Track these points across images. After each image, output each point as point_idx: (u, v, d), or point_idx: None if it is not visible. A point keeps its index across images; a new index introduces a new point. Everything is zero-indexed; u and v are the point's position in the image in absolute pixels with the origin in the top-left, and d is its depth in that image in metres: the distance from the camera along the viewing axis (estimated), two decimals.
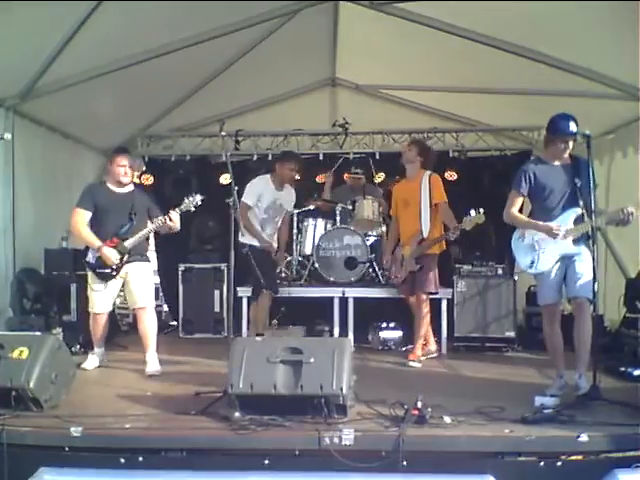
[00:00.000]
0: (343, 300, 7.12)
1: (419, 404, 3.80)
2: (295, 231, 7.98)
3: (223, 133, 5.10)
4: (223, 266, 7.84)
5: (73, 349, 6.01)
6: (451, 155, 8.68)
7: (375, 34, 7.39)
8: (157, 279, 8.53)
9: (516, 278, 6.98)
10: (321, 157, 8.85)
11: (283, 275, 7.83)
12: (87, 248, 5.67)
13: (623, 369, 5.27)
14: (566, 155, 4.75)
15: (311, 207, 8.02)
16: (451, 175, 8.31)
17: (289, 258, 7.95)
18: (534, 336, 6.99)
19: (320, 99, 9.24)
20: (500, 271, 7.09)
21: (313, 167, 8.82)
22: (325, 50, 8.30)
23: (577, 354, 4.56)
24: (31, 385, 3.98)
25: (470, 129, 8.90)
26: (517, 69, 6.76)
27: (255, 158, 8.92)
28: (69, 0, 5.21)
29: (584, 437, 3.47)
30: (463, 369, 6.01)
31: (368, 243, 7.47)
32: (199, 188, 8.75)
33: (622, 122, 7.07)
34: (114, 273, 5.58)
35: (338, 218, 7.71)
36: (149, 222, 5.70)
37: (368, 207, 7.55)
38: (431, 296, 6.40)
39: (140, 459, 3.63)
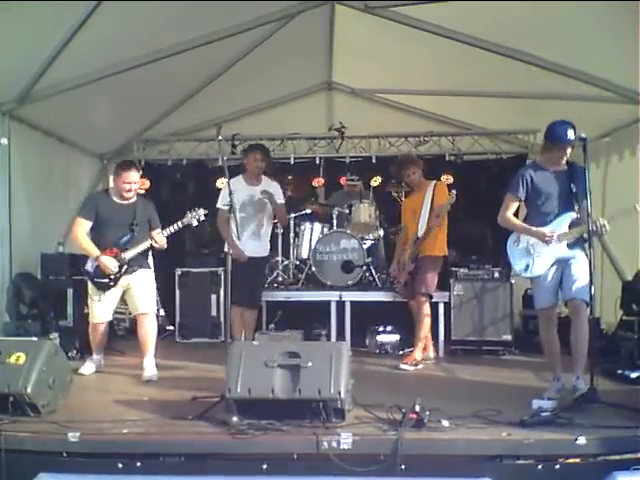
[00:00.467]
0: (340, 304, 7.12)
1: (417, 408, 3.79)
2: (292, 235, 8.00)
3: (220, 137, 5.07)
4: (220, 270, 7.81)
5: (70, 354, 5.99)
6: (447, 159, 8.69)
7: (371, 38, 7.40)
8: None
9: (513, 281, 6.99)
10: (318, 161, 8.83)
11: (280, 279, 7.84)
12: (86, 257, 5.65)
13: (620, 372, 5.28)
14: (563, 162, 4.76)
15: (308, 211, 8.03)
16: (447, 179, 8.32)
17: (286, 262, 7.97)
18: (531, 339, 6.99)
19: (316, 103, 9.27)
20: (497, 274, 7.08)
21: (310, 171, 8.83)
22: (321, 54, 8.33)
23: (574, 357, 4.56)
24: (28, 390, 3.97)
25: (466, 133, 8.93)
26: (513, 72, 6.78)
27: None
28: (65, 0, 5.22)
29: (582, 440, 3.47)
30: (460, 372, 6.01)
31: (365, 247, 7.48)
32: (196, 192, 8.82)
33: (618, 125, 7.10)
34: (112, 283, 5.57)
35: (335, 222, 7.72)
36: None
37: (365, 211, 7.57)
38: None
39: (138, 464, 3.62)
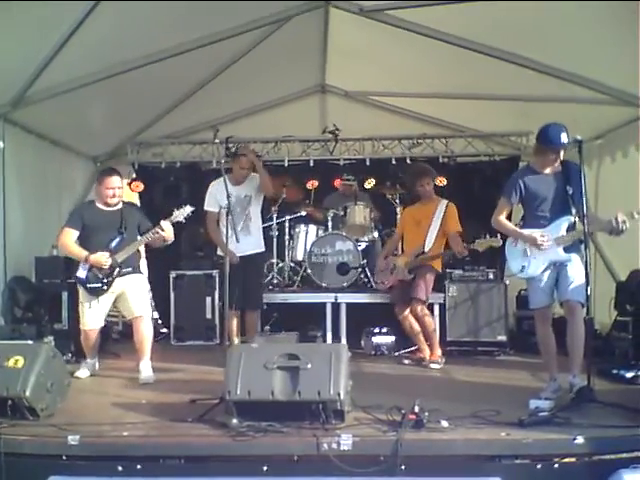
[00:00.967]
0: (335, 305, 7.15)
1: (416, 408, 3.81)
2: (287, 237, 8.01)
3: (217, 140, 5.07)
4: (215, 273, 7.82)
5: (65, 357, 5.92)
6: (441, 161, 8.69)
7: (365, 41, 7.42)
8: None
9: (507, 282, 7.02)
10: (311, 163, 8.85)
11: (275, 281, 7.85)
12: (78, 264, 5.61)
13: (615, 371, 5.32)
14: (557, 164, 4.79)
15: (302, 213, 8.05)
16: (441, 181, 8.32)
17: (281, 264, 7.97)
18: (525, 340, 7.06)
19: (310, 106, 9.27)
20: (491, 275, 7.13)
21: (304, 173, 8.85)
22: (315, 57, 8.33)
23: (570, 357, 4.60)
24: (27, 394, 3.96)
25: (459, 135, 8.95)
26: (506, 75, 6.81)
27: None
28: (60, 0, 5.21)
29: (580, 439, 3.49)
30: (456, 373, 6.04)
31: (360, 249, 7.50)
32: (190, 195, 8.77)
33: (610, 127, 7.16)
34: (105, 287, 5.55)
35: (330, 224, 7.74)
36: (139, 236, 5.69)
37: (359, 213, 7.60)
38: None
39: (138, 467, 3.61)
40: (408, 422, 3.74)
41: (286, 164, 8.79)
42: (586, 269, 4.39)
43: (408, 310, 6.47)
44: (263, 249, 6.81)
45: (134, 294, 5.66)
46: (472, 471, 3.52)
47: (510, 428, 3.76)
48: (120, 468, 3.61)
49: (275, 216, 8.02)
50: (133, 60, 6.43)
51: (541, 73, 6.44)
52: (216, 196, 6.38)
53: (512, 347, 7.04)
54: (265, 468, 3.58)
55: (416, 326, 6.47)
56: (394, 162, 8.66)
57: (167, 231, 5.56)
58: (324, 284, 7.38)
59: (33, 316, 6.62)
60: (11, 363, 4.09)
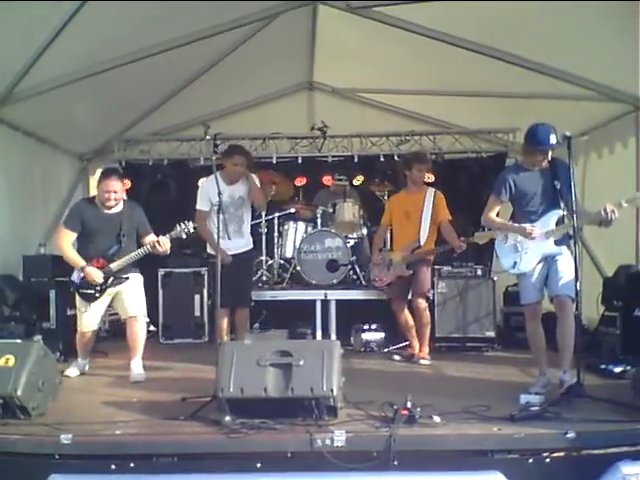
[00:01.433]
0: (325, 302, 7.16)
1: (408, 404, 3.82)
2: (276, 234, 8.01)
3: (208, 137, 5.04)
4: (203, 270, 7.81)
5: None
6: (428, 157, 8.72)
7: (353, 38, 7.44)
8: None
9: (495, 278, 7.07)
10: (300, 160, 8.84)
11: (264, 278, 7.84)
12: (72, 267, 5.60)
13: (604, 366, 5.37)
14: (545, 163, 4.82)
15: (291, 210, 8.05)
16: (428, 177, 8.36)
17: (270, 261, 7.97)
18: (513, 336, 7.13)
19: (298, 102, 9.31)
20: (479, 272, 7.18)
21: (292, 170, 8.84)
22: (303, 54, 8.36)
23: (560, 352, 4.64)
24: (18, 393, 3.93)
25: (447, 132, 9.00)
26: (493, 72, 6.87)
27: None
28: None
29: (572, 434, 3.52)
30: (446, 369, 6.07)
31: (349, 245, 7.52)
32: (177, 192, 8.77)
33: (596, 124, 7.22)
34: (97, 295, 5.54)
35: (319, 221, 7.75)
36: (140, 246, 5.64)
37: (348, 210, 7.62)
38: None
39: (131, 465, 3.59)
40: (401, 418, 3.75)
41: (274, 161, 8.78)
42: (575, 264, 4.42)
43: (406, 305, 6.48)
44: (252, 246, 6.70)
45: (130, 294, 5.64)
46: (465, 466, 3.53)
47: (501, 423, 3.78)
48: (113, 466, 3.59)
49: (264, 213, 7.97)
50: (120, 57, 6.42)
51: (528, 70, 6.49)
52: (208, 194, 6.20)
53: (500, 343, 7.09)
54: (259, 465, 3.57)
55: (411, 321, 6.48)
56: (382, 159, 8.69)
57: (164, 246, 5.54)
58: (313, 281, 7.39)
59: (21, 315, 6.56)
60: (2, 362, 4.05)
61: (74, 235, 5.58)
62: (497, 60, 6.49)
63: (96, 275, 5.46)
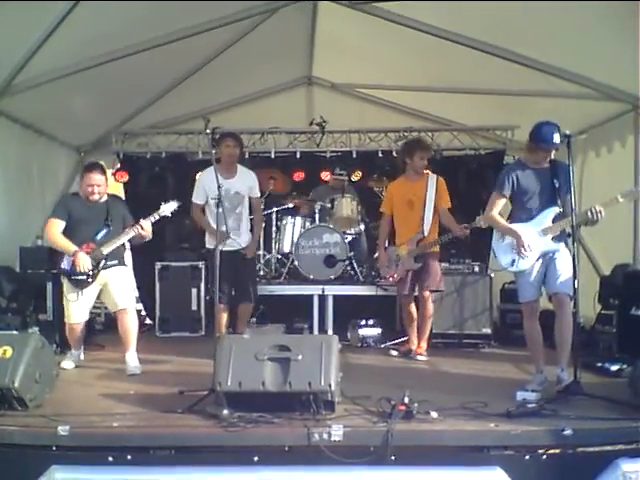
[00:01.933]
0: (322, 298, 7.16)
1: (406, 399, 3.84)
2: (274, 229, 8.01)
3: (208, 131, 5.02)
4: (200, 264, 7.80)
5: None
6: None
7: (352, 33, 7.43)
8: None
9: (492, 275, 7.07)
10: (298, 155, 8.83)
11: (262, 273, 7.84)
12: (61, 255, 5.56)
13: (600, 365, 5.39)
14: (547, 162, 4.84)
15: (290, 205, 8.05)
16: (427, 173, 8.37)
17: (268, 256, 7.97)
18: (509, 332, 7.13)
19: (296, 97, 9.28)
20: (476, 268, 7.18)
21: (290, 165, 8.84)
22: (302, 48, 8.33)
23: (558, 350, 4.65)
24: (16, 384, 3.93)
25: (445, 129, 8.98)
26: (492, 69, 6.86)
27: None
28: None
29: (569, 431, 3.54)
30: (443, 365, 6.08)
31: (347, 241, 7.52)
32: (174, 185, 8.74)
33: (595, 122, 7.22)
34: (90, 280, 5.50)
35: (317, 216, 7.75)
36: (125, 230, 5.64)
37: (347, 205, 7.62)
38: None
39: (129, 457, 3.60)
40: (398, 413, 3.76)
41: (273, 156, 8.76)
42: (574, 262, 4.44)
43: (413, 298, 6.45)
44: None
45: (117, 287, 5.61)
46: (462, 461, 3.56)
47: (498, 419, 3.80)
48: (111, 458, 3.60)
49: (262, 208, 7.96)
50: (118, 50, 6.40)
51: (527, 67, 6.49)
52: (205, 187, 6.22)
53: (496, 340, 7.09)
54: (256, 458, 3.59)
55: (415, 314, 6.46)
56: (381, 155, 8.68)
57: (146, 229, 5.54)
58: (311, 276, 7.39)
59: (18, 306, 6.55)
60: None
61: (62, 224, 5.54)
62: (496, 57, 6.48)
63: (86, 262, 5.42)
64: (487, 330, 7.02)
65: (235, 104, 9.08)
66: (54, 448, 3.63)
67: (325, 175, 8.52)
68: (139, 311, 8.93)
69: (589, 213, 4.49)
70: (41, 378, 4.19)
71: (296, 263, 7.46)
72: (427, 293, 6.30)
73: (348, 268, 7.59)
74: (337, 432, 3.60)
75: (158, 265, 7.92)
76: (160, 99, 8.39)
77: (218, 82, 8.25)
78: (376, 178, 8.26)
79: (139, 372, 5.47)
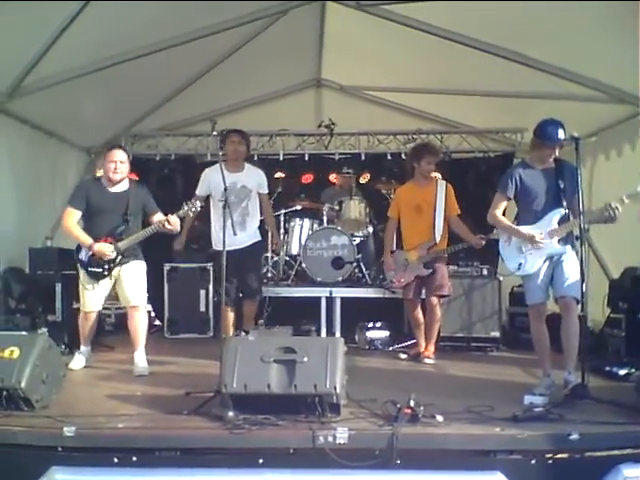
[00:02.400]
0: (330, 300, 7.16)
1: (412, 403, 3.82)
2: (282, 231, 8.01)
3: (215, 133, 5.04)
4: (209, 266, 7.82)
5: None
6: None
7: (361, 36, 7.43)
8: None
9: (501, 278, 7.05)
10: (307, 157, 8.84)
11: (270, 275, 7.85)
12: (80, 246, 5.58)
13: (609, 368, 5.34)
14: (551, 160, 4.82)
15: (297, 207, 8.05)
16: (435, 177, 8.35)
17: (275, 258, 7.97)
18: (518, 336, 7.11)
19: (305, 100, 9.30)
20: (485, 272, 7.16)
21: (299, 167, 8.85)
22: (311, 51, 8.35)
23: (565, 354, 4.61)
24: (22, 385, 3.94)
25: (454, 131, 8.99)
26: (501, 71, 6.84)
27: None
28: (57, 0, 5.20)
29: (575, 435, 3.51)
30: (450, 369, 6.05)
31: (355, 243, 7.51)
32: (184, 187, 8.77)
33: (604, 125, 7.17)
34: (106, 273, 5.53)
35: (325, 218, 7.74)
36: (148, 224, 5.62)
37: (355, 207, 7.62)
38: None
39: (134, 459, 3.60)
40: (404, 416, 3.75)
41: (281, 158, 8.80)
42: (581, 266, 4.41)
43: (419, 303, 6.42)
44: (259, 238, 6.59)
45: (131, 282, 5.62)
46: (468, 465, 3.53)
47: (504, 423, 3.77)
48: (116, 460, 3.60)
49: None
50: (128, 52, 6.44)
51: (537, 70, 6.46)
52: (208, 181, 6.26)
53: (505, 343, 7.06)
54: (261, 461, 3.57)
55: (422, 318, 6.42)
56: (389, 157, 8.69)
57: (174, 225, 5.54)
58: (319, 278, 7.39)
59: (27, 307, 6.60)
60: (6, 354, 4.07)
61: (79, 213, 5.55)
62: (506, 60, 6.46)
63: (107, 250, 5.43)
64: (496, 334, 6.99)
65: (244, 106, 9.10)
66: (59, 449, 3.63)
67: (333, 177, 8.53)
68: (148, 312, 8.99)
69: (609, 209, 4.42)
70: (48, 379, 4.19)
71: (304, 265, 7.46)
72: (435, 299, 6.27)
73: (356, 270, 7.58)
74: (342, 435, 3.58)
75: (167, 266, 7.96)
76: (169, 101, 8.43)
77: (227, 84, 8.27)
78: (384, 180, 8.26)
79: (147, 373, 5.48)
